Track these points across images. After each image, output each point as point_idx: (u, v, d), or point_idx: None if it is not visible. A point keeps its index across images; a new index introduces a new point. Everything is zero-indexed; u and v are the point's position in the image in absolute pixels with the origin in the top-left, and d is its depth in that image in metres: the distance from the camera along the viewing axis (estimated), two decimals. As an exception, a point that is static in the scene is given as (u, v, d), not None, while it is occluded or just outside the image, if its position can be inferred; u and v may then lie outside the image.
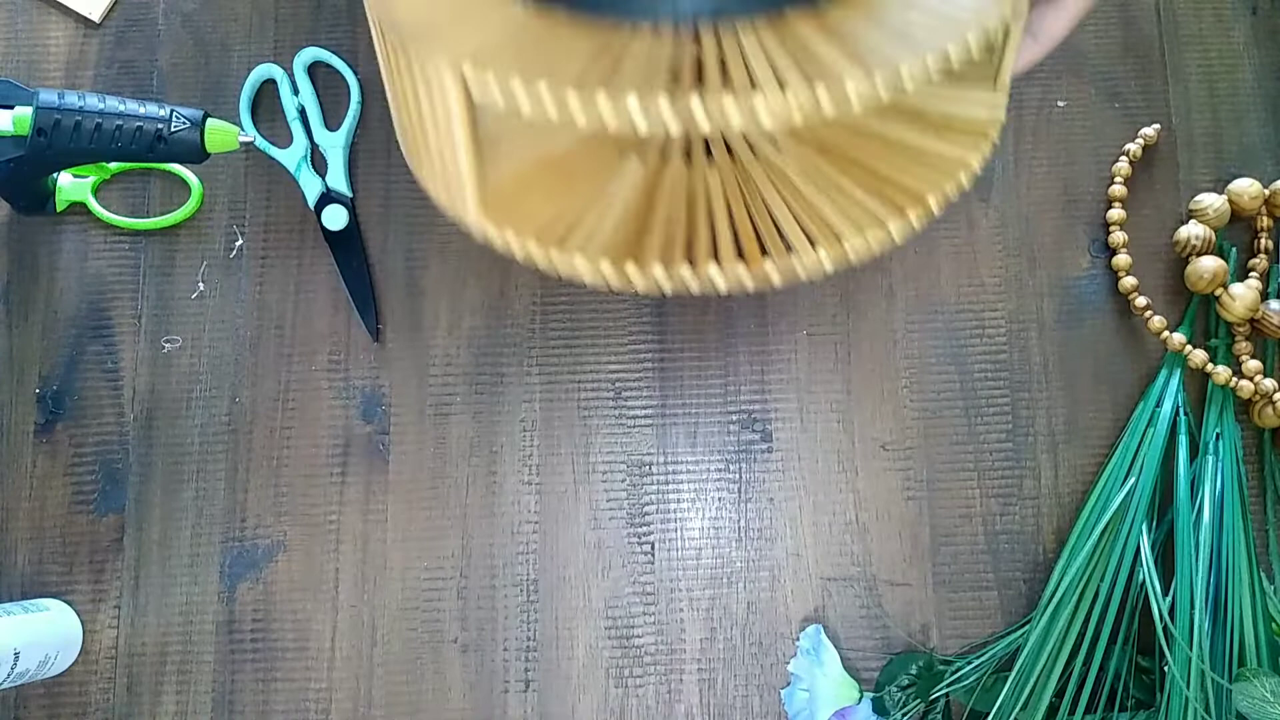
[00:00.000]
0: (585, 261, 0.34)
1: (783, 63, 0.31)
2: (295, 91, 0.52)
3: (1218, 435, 0.48)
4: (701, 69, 0.31)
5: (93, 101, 0.46)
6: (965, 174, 0.36)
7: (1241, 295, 0.48)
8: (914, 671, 0.46)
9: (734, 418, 0.50)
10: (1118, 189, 0.51)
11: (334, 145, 0.52)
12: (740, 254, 0.34)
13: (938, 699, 0.46)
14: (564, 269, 0.35)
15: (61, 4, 0.54)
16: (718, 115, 0.30)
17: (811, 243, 0.35)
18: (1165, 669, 0.44)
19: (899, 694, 0.46)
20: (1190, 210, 0.51)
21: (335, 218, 0.51)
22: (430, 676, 0.48)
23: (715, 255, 0.34)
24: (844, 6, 0.33)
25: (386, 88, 0.38)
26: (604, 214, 0.36)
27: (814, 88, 0.30)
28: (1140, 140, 0.52)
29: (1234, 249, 0.51)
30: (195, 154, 0.47)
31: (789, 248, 0.35)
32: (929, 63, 0.31)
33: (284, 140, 0.52)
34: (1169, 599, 0.45)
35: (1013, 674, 0.45)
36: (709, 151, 0.40)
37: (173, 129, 0.46)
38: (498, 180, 0.36)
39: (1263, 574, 0.46)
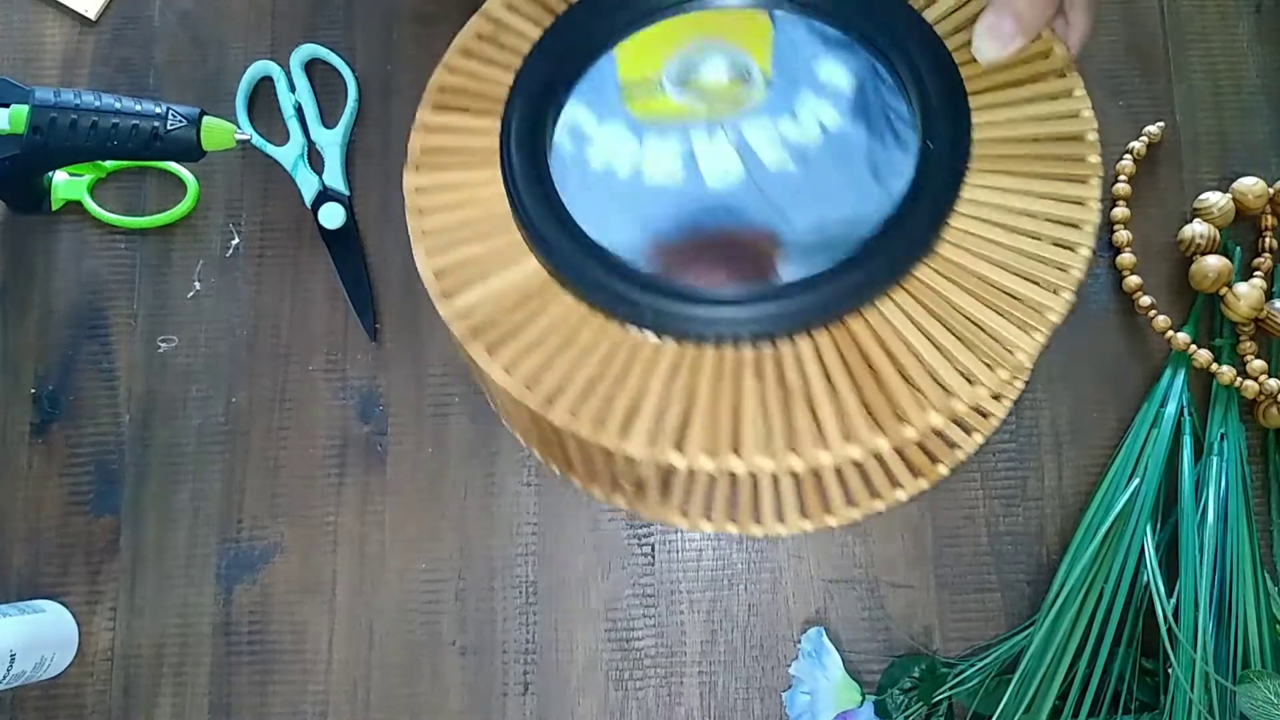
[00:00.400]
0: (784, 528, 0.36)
1: (948, 342, 0.31)
2: (292, 89, 0.52)
3: (1222, 436, 0.48)
4: (870, 362, 0.31)
5: (89, 99, 0.45)
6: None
7: (1246, 294, 0.48)
8: (916, 674, 0.46)
9: (735, 418, 0.50)
10: (1121, 187, 0.51)
11: (331, 143, 0.52)
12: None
13: (940, 702, 0.46)
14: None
15: (58, 1, 0.53)
16: (922, 427, 0.30)
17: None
18: (1169, 671, 0.44)
19: (901, 697, 0.46)
20: (1195, 209, 0.51)
21: (332, 216, 0.51)
22: (428, 679, 0.47)
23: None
24: (953, 245, 0.32)
25: (519, 436, 0.38)
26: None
27: (996, 369, 0.31)
28: (1144, 138, 0.52)
29: (1239, 248, 0.51)
30: (191, 152, 0.47)
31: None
32: (1066, 298, 0.32)
33: (281, 138, 0.52)
34: (1173, 601, 0.45)
35: (1016, 676, 0.45)
36: None
37: (169, 127, 0.46)
38: None
39: (1267, 575, 0.46)
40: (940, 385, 0.31)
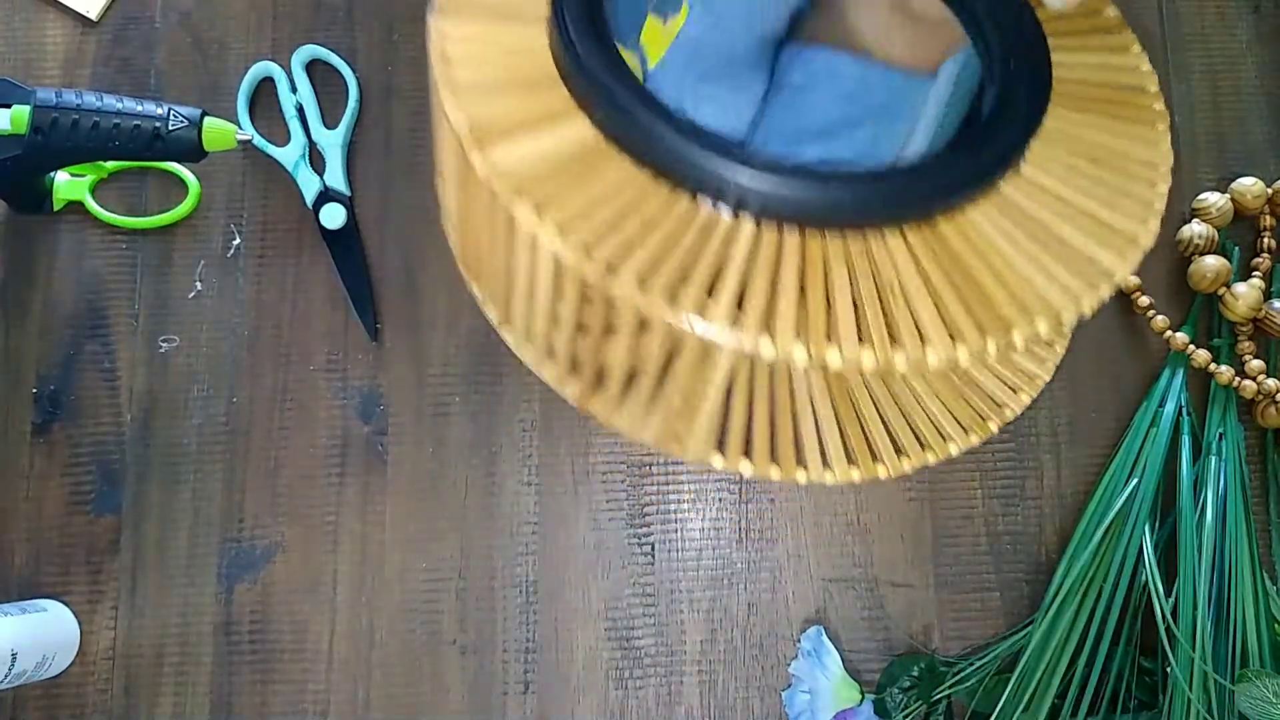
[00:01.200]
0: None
1: (1040, 254, 0.29)
2: (293, 89, 0.52)
3: (1220, 435, 0.48)
4: (964, 265, 0.29)
5: (90, 100, 0.46)
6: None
7: (1244, 294, 0.48)
8: (916, 673, 0.46)
9: (734, 418, 0.50)
10: (1120, 188, 0.51)
11: (332, 144, 0.52)
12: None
13: (939, 700, 0.46)
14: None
15: (59, 2, 0.53)
16: (1027, 333, 0.28)
17: (921, 446, 0.34)
18: (1168, 670, 0.44)
19: (900, 695, 0.46)
20: (1193, 209, 0.51)
21: (333, 216, 0.51)
22: (429, 678, 0.47)
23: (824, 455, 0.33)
24: (1036, 167, 0.31)
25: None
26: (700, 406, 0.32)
27: (1097, 286, 0.28)
28: (1143, 139, 0.52)
29: (1237, 248, 0.51)
30: (193, 152, 0.47)
31: (898, 450, 0.34)
32: (1152, 227, 0.30)
33: (282, 139, 0.52)
34: (1171, 600, 0.45)
35: (1015, 675, 0.45)
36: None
37: (170, 127, 0.46)
38: None
39: (1265, 575, 0.46)
40: (1039, 295, 0.29)
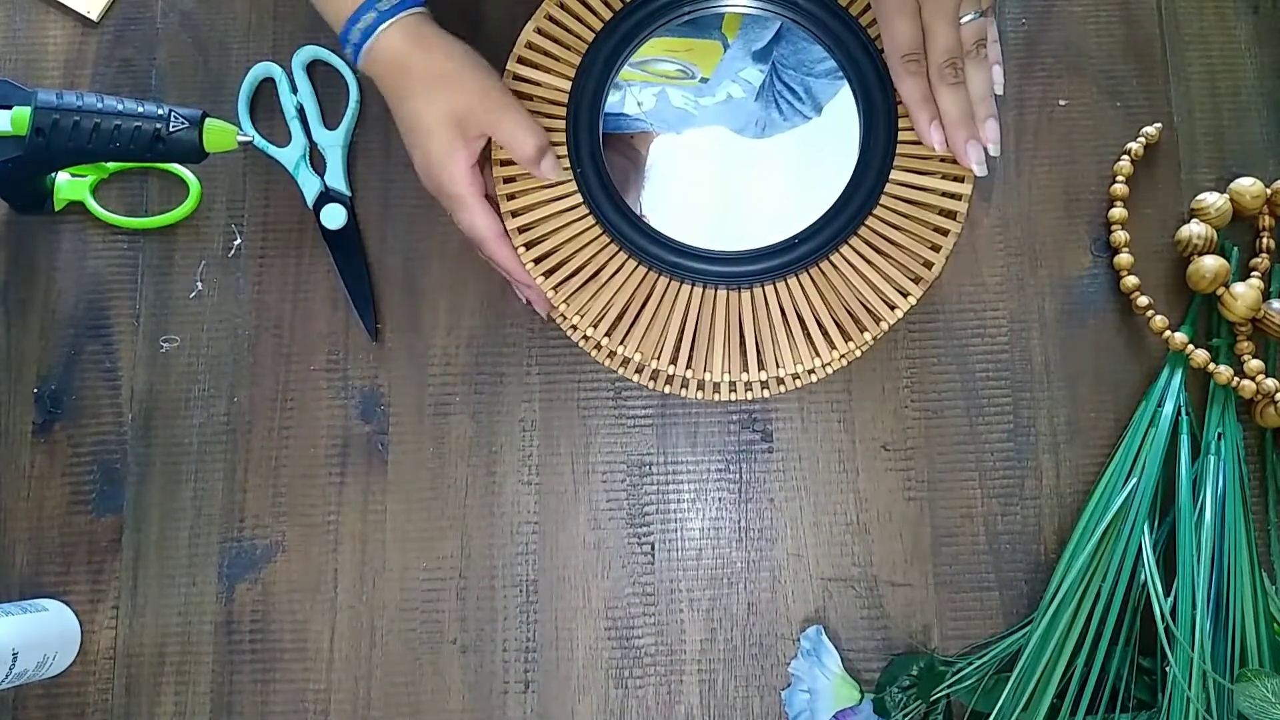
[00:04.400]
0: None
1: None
2: (294, 90, 0.52)
3: (1219, 435, 0.48)
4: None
5: (91, 101, 0.46)
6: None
7: (1243, 294, 0.48)
8: (915, 672, 0.46)
9: (734, 418, 0.50)
10: (1119, 188, 0.51)
11: (333, 144, 0.52)
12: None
13: (939, 700, 0.46)
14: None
15: (60, 3, 0.53)
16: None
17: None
18: (1167, 669, 0.44)
19: (900, 695, 0.46)
20: (1192, 209, 0.51)
21: (334, 217, 0.51)
22: (429, 677, 0.48)
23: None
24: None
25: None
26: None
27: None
28: (1142, 139, 0.52)
29: (1236, 248, 0.51)
30: (194, 153, 0.47)
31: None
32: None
33: (282, 139, 0.52)
34: (1170, 599, 0.45)
35: (1014, 675, 0.45)
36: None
37: (171, 128, 0.46)
38: None
39: (1264, 574, 0.46)
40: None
